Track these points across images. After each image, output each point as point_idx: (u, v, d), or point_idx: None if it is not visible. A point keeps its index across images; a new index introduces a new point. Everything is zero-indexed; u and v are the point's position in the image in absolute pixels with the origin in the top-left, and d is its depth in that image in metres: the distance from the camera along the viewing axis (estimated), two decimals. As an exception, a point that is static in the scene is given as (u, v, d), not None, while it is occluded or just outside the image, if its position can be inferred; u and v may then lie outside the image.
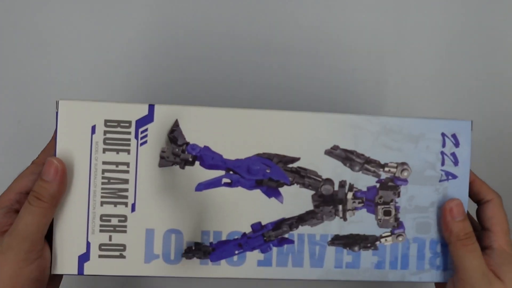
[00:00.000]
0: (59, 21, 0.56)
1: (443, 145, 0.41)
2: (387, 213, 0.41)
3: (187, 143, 0.39)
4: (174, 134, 0.39)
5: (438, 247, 0.41)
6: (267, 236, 0.40)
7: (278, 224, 0.40)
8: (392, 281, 0.41)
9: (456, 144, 0.41)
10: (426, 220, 0.41)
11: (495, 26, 0.59)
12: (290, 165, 0.40)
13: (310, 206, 0.40)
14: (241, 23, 0.57)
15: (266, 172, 0.39)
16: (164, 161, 0.39)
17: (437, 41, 0.59)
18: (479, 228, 0.42)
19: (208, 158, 0.39)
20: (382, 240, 0.41)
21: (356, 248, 0.40)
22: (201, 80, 0.57)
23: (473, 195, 0.42)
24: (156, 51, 0.57)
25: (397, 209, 0.41)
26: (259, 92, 0.57)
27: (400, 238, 0.41)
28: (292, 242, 0.40)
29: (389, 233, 0.41)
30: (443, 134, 0.41)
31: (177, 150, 0.39)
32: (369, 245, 0.40)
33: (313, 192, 0.40)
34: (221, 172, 0.39)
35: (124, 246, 0.39)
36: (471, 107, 0.59)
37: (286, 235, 0.40)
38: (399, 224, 0.41)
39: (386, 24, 0.58)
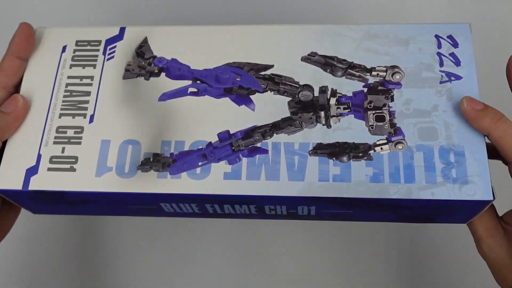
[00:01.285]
0: None
1: (439, 46, 0.36)
2: (379, 118, 0.34)
3: (154, 57, 0.37)
4: (142, 49, 0.37)
5: (452, 156, 0.32)
6: (235, 146, 0.34)
7: (249, 133, 0.34)
8: (395, 198, 0.32)
9: (455, 45, 0.35)
10: (430, 125, 0.33)
11: None
12: (263, 73, 0.36)
13: (286, 113, 0.35)
14: None
15: (236, 80, 0.36)
16: (129, 73, 0.37)
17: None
18: None
19: (174, 69, 0.36)
20: (377, 148, 0.33)
21: (345, 158, 0.33)
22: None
23: None
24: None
25: (391, 114, 0.34)
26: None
27: (399, 146, 0.33)
28: (265, 151, 0.34)
29: (384, 141, 0.33)
30: (437, 36, 0.36)
31: (143, 63, 0.37)
32: (360, 154, 0.33)
33: (289, 99, 0.35)
34: (188, 82, 0.36)
35: (76, 158, 0.34)
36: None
37: (258, 144, 0.34)
38: (396, 131, 0.33)
39: None
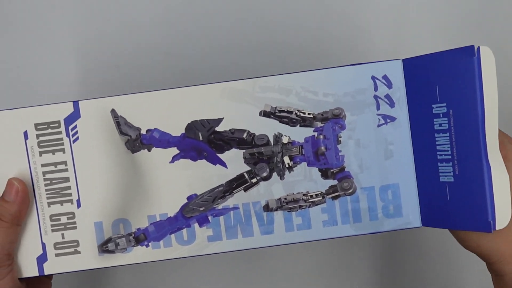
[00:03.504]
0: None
1: (375, 89, 0.39)
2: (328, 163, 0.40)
3: (140, 132, 0.39)
4: (121, 127, 0.39)
5: (389, 193, 0.40)
6: (205, 208, 0.40)
7: (215, 194, 0.40)
8: (347, 236, 0.40)
9: (389, 85, 0.39)
10: (372, 165, 0.40)
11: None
12: (222, 136, 0.39)
13: (245, 168, 0.40)
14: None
15: (204, 155, 0.40)
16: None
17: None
18: None
19: (156, 141, 0.39)
20: (329, 197, 0.40)
21: (304, 205, 0.40)
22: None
23: None
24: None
25: (341, 158, 0.40)
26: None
27: (349, 190, 0.40)
28: (236, 208, 0.40)
29: (335, 184, 0.40)
30: (373, 78, 0.39)
31: (133, 140, 0.39)
32: (316, 202, 0.40)
33: (247, 151, 0.39)
34: (172, 149, 0.39)
35: (77, 241, 0.40)
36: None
37: (220, 207, 0.40)
38: (344, 173, 0.40)
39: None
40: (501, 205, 0.37)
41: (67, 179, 0.40)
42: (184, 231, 0.40)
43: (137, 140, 0.39)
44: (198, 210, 0.40)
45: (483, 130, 0.37)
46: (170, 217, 0.40)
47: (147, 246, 0.40)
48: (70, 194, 0.40)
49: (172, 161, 0.39)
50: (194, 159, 0.40)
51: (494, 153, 0.37)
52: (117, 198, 0.40)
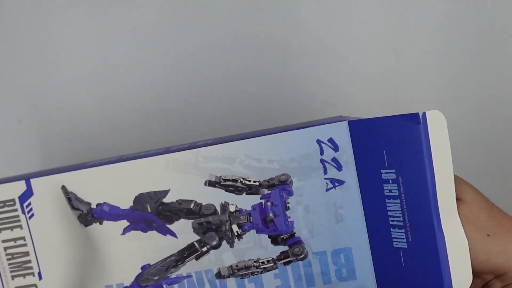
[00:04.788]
0: (61, 22, 0.55)
1: (321, 153, 0.38)
2: (278, 230, 0.39)
3: (90, 206, 0.40)
4: (72, 202, 0.40)
5: (341, 257, 0.39)
6: (162, 279, 0.40)
7: (167, 264, 0.40)
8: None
9: (335, 148, 0.38)
10: (323, 230, 0.39)
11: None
12: (169, 207, 0.39)
13: (195, 237, 0.40)
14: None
15: (153, 226, 0.40)
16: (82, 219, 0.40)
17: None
18: None
19: (107, 214, 0.40)
20: (281, 262, 0.39)
21: (256, 272, 0.40)
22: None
23: None
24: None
25: (290, 224, 0.39)
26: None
27: (297, 251, 0.39)
28: (190, 276, 0.40)
29: (286, 250, 0.39)
30: (318, 141, 0.38)
31: (81, 212, 0.40)
32: (267, 268, 0.39)
33: (196, 220, 0.39)
34: (121, 222, 0.40)
35: None
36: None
37: (174, 275, 0.40)
38: (294, 239, 0.39)
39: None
40: (458, 271, 0.35)
41: (27, 253, 0.41)
42: None
43: (89, 214, 0.40)
44: (153, 279, 0.40)
45: (435, 197, 0.35)
46: (127, 286, 0.40)
47: None
48: (31, 268, 0.41)
49: (124, 233, 0.40)
50: (145, 231, 0.40)
51: (450, 217, 0.35)
52: (75, 271, 0.41)
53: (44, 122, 0.55)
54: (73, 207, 0.40)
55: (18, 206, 0.41)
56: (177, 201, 0.39)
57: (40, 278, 0.41)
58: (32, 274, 0.41)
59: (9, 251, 0.41)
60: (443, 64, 0.56)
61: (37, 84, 0.54)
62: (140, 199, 0.39)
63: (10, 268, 0.41)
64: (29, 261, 0.41)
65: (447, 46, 0.55)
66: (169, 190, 0.39)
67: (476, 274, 0.38)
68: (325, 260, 0.39)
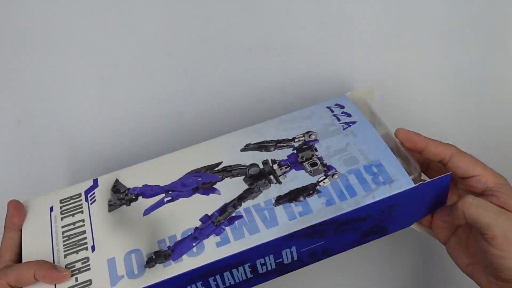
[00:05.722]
0: (61, 22, 0.53)
1: (332, 112, 0.49)
2: (313, 164, 0.44)
3: (128, 189, 0.46)
4: (117, 187, 0.46)
5: (374, 168, 0.43)
6: (216, 222, 0.42)
7: (223, 209, 0.42)
8: (349, 211, 0.41)
9: (342, 107, 0.49)
10: (350, 155, 0.44)
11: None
12: (216, 168, 0.46)
13: (245, 186, 0.44)
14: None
15: (198, 180, 0.45)
16: (113, 206, 0.45)
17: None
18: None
19: (148, 191, 0.45)
20: (321, 183, 0.43)
21: (301, 198, 0.42)
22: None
23: (434, 157, 0.44)
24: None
25: (320, 158, 0.45)
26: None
27: (335, 176, 0.43)
28: (241, 217, 0.42)
29: (324, 177, 0.43)
30: (328, 107, 0.49)
31: (121, 196, 0.45)
32: (311, 192, 0.42)
33: (243, 177, 0.45)
34: (162, 195, 0.45)
35: (90, 281, 0.40)
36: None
37: (233, 214, 0.42)
38: (328, 168, 0.44)
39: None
40: None
41: (83, 232, 0.43)
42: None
43: (125, 193, 0.45)
44: (225, 217, 0.42)
45: None
46: (199, 230, 0.41)
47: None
48: (86, 243, 0.42)
49: (163, 201, 0.44)
50: (189, 195, 0.44)
51: None
52: (127, 237, 0.42)
53: (44, 122, 0.55)
54: (115, 192, 0.45)
55: (83, 197, 0.46)
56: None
57: (93, 250, 0.42)
58: (85, 248, 0.42)
59: (66, 233, 0.43)
60: (443, 63, 0.57)
61: (37, 84, 0.54)
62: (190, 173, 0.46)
63: (64, 248, 0.42)
64: (85, 238, 0.42)
65: (448, 46, 0.57)
66: (221, 162, 0.46)
67: (502, 278, 0.42)
68: (359, 173, 0.43)
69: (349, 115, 0.48)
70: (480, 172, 0.43)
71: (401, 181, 0.42)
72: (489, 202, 0.41)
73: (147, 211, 0.44)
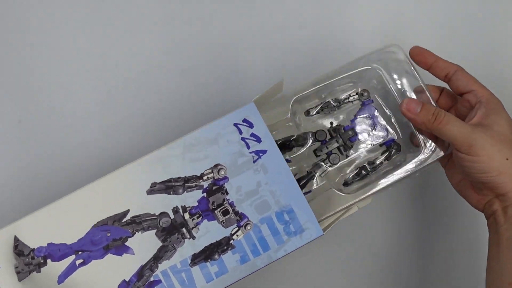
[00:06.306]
0: (60, 20, 0.55)
1: (240, 132, 0.44)
2: (225, 212, 0.44)
3: (33, 249, 0.43)
4: (19, 248, 0.43)
5: (285, 215, 0.43)
6: None
7: (140, 273, 0.43)
8: (263, 267, 0.43)
9: (251, 126, 0.45)
10: (261, 199, 0.44)
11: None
12: (124, 219, 0.43)
13: (159, 243, 0.43)
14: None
15: (108, 236, 0.43)
16: (22, 274, 0.43)
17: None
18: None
19: (55, 252, 0.43)
20: (234, 237, 0.43)
21: (216, 256, 0.43)
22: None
23: (441, 71, 0.47)
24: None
25: (231, 204, 0.44)
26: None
27: (248, 227, 0.43)
28: (159, 281, 0.43)
29: (237, 228, 0.43)
30: (235, 124, 0.45)
31: (27, 260, 0.43)
32: (225, 247, 0.43)
33: (155, 230, 0.43)
34: (73, 257, 0.43)
35: None
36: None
37: (152, 278, 0.43)
38: (241, 216, 0.44)
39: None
40: None
41: None
42: None
43: (30, 256, 0.43)
44: (143, 283, 0.42)
45: None
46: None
47: None
48: None
49: (75, 264, 0.43)
50: (101, 256, 0.43)
51: None
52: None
53: (44, 123, 0.57)
54: (19, 255, 0.43)
55: None
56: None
57: None
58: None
59: None
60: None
61: (37, 84, 0.56)
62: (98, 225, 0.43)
63: None
64: None
65: (447, 46, 0.58)
66: (129, 210, 0.43)
67: (480, 187, 0.45)
68: (271, 223, 0.43)
69: (258, 140, 0.44)
70: (478, 88, 0.46)
71: (311, 230, 0.43)
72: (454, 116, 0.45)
73: (61, 278, 0.43)
